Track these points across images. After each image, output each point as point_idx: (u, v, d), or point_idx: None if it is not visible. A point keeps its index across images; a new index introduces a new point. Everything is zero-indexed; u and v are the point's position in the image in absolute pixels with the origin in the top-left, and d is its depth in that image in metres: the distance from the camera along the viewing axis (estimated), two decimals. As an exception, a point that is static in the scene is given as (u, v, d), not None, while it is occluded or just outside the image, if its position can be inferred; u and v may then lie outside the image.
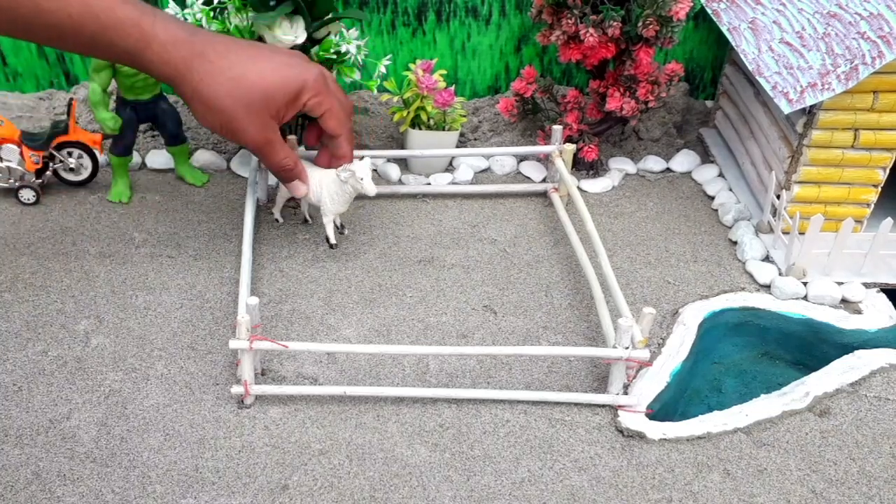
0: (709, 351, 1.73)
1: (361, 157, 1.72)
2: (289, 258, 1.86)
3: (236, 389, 1.46)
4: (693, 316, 1.73)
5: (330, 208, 1.77)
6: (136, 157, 2.15)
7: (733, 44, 1.95)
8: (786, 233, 1.86)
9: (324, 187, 1.75)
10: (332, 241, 1.82)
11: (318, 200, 1.77)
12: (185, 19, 1.91)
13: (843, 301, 1.79)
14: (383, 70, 2.07)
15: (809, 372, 1.62)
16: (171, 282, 1.76)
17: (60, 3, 1.32)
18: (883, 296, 1.80)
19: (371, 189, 1.69)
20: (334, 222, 1.84)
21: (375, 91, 2.14)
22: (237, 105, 1.48)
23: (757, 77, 1.81)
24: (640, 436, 1.46)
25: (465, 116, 2.21)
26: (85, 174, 2.03)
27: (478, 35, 2.28)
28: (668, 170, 2.25)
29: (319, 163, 1.73)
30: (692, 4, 1.96)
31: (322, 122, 1.61)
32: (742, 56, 1.90)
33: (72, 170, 2.00)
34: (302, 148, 2.09)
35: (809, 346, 1.74)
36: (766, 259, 1.88)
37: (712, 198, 2.13)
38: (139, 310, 1.69)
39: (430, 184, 2.14)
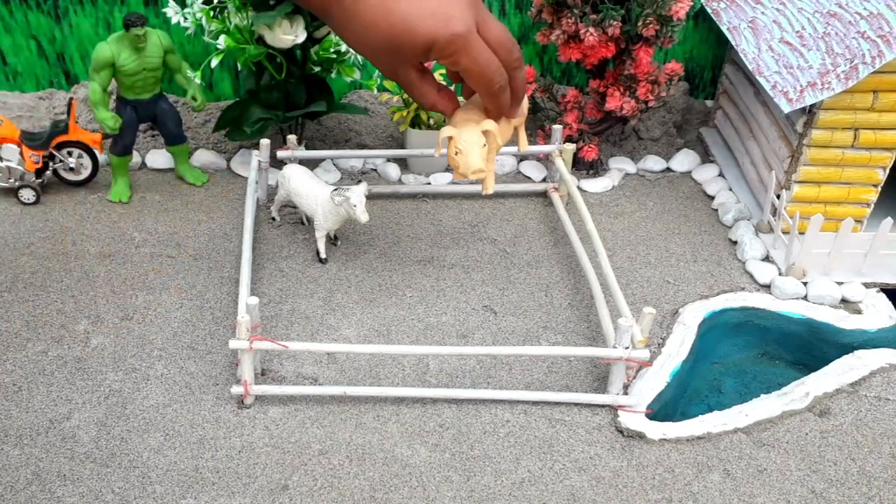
0: (709, 351, 1.73)
1: (359, 182, 1.69)
2: (289, 258, 1.86)
3: (236, 389, 1.46)
4: (693, 316, 1.73)
5: (322, 224, 1.78)
6: (136, 157, 2.15)
7: (733, 43, 1.95)
8: (786, 232, 1.86)
9: (319, 204, 1.76)
10: (323, 255, 1.83)
11: (313, 214, 1.79)
12: (185, 19, 1.91)
13: (843, 301, 1.79)
14: (383, 70, 2.07)
15: (809, 372, 1.62)
16: (171, 282, 1.76)
17: None
18: (883, 296, 1.80)
19: (363, 217, 1.69)
20: (328, 235, 1.85)
21: (375, 91, 2.14)
22: (367, 46, 1.32)
23: (757, 76, 1.81)
24: (640, 436, 1.46)
25: (465, 116, 2.21)
26: (85, 174, 2.02)
27: (478, 35, 2.27)
28: (668, 169, 2.25)
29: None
30: (692, 4, 1.96)
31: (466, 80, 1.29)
32: (742, 55, 1.90)
33: (72, 169, 2.00)
34: (302, 147, 2.10)
35: (809, 346, 1.74)
36: (766, 259, 1.88)
37: (712, 197, 2.13)
38: (139, 310, 1.69)
39: (430, 184, 2.14)
